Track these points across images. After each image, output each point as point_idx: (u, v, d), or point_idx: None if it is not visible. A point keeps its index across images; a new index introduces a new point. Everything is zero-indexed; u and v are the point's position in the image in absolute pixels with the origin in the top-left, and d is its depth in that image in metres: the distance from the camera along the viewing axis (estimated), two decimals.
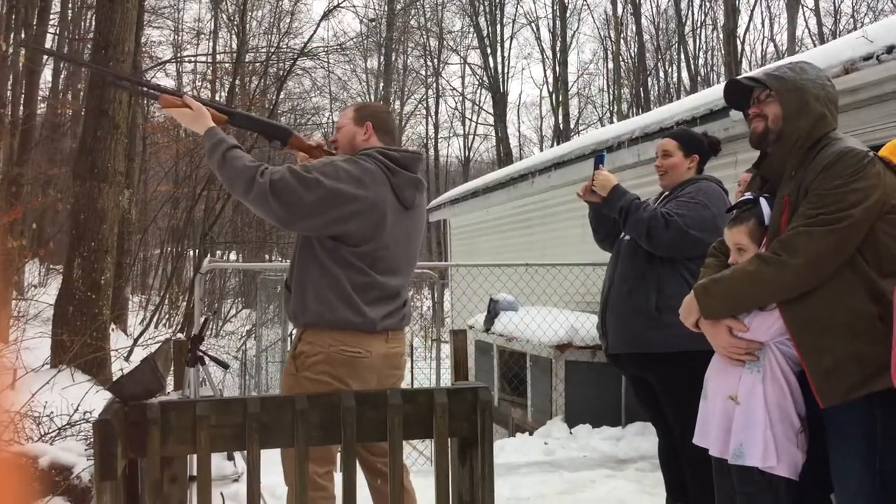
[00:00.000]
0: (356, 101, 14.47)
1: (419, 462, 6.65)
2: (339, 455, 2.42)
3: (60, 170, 15.41)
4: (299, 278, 2.65)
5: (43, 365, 6.15)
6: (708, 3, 28.70)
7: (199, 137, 2.75)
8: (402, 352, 2.81)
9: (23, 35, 11.66)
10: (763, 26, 44.41)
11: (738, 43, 25.40)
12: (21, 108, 11.83)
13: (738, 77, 2.68)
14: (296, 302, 2.66)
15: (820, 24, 25.56)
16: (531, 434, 6.02)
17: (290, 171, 2.55)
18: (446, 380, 6.69)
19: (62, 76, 20.09)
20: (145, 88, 3.25)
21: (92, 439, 3.71)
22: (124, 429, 1.85)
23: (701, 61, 29.61)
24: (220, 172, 2.61)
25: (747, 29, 30.45)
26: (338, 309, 2.57)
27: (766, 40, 33.70)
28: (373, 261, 2.63)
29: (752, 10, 27.70)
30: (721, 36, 26.47)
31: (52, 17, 15.07)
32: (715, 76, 28.22)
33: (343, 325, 2.58)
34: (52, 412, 4.34)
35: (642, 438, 5.53)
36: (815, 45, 22.07)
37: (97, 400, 4.41)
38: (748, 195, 2.48)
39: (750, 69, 24.22)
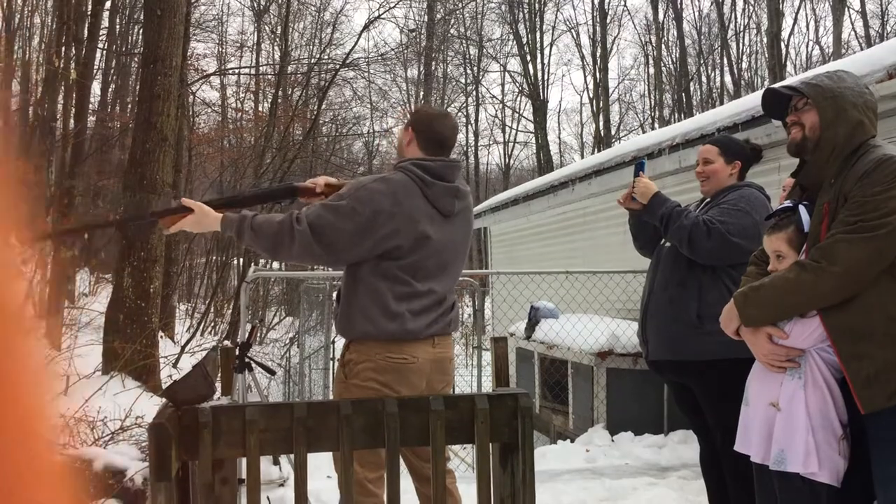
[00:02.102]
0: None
1: (461, 468, 6.67)
2: None
3: (110, 181, 15.77)
4: (346, 295, 2.69)
5: (94, 371, 6.31)
6: (751, 7, 28.42)
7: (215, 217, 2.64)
8: (451, 356, 2.83)
9: (73, 51, 11.99)
10: (808, 29, 43.71)
11: (783, 46, 25.08)
12: (72, 121, 12.16)
13: (776, 85, 2.69)
14: (342, 319, 2.70)
15: (867, 25, 25.13)
16: (573, 441, 6.02)
17: (323, 206, 2.56)
18: (487, 387, 6.70)
19: (111, 90, 20.60)
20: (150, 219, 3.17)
21: (144, 443, 3.82)
22: (178, 432, 1.92)
23: (745, 65, 29.27)
24: (258, 244, 2.60)
25: (792, 32, 30.20)
26: (381, 323, 2.60)
27: (811, 43, 33.21)
28: (416, 271, 2.65)
29: (797, 13, 27.42)
30: (765, 39, 26.15)
31: (100, 32, 15.43)
32: (759, 80, 27.86)
33: (388, 338, 2.62)
34: (105, 417, 4.47)
35: (685, 446, 5.50)
36: (861, 48, 21.70)
37: (148, 406, 4.53)
38: (787, 203, 2.48)
39: (795, 73, 23.88)
